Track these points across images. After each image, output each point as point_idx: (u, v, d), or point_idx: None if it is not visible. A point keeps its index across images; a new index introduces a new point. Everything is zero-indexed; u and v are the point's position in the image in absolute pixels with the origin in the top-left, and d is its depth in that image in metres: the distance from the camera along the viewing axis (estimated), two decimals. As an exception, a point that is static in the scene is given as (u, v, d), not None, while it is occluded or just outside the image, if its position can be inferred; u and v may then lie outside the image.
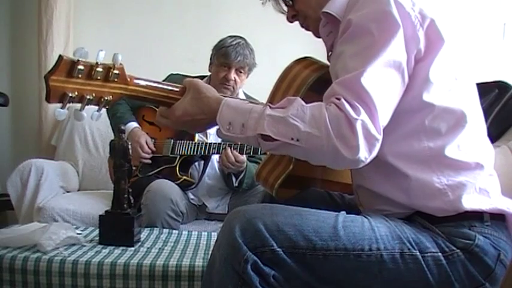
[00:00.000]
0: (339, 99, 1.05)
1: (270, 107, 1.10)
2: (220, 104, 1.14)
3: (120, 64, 1.10)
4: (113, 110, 2.58)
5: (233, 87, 2.45)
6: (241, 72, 2.47)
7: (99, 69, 1.07)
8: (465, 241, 1.11)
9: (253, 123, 1.09)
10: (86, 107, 1.09)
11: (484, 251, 1.11)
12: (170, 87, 1.19)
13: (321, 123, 1.03)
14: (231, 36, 2.50)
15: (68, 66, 1.03)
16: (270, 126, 1.07)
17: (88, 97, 1.07)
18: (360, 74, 1.05)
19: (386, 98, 1.07)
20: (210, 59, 2.54)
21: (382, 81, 1.06)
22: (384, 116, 1.07)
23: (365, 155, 1.03)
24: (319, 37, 1.31)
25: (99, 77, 1.07)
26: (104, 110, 1.13)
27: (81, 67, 1.04)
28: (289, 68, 1.32)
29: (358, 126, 1.01)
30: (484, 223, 1.14)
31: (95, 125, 3.09)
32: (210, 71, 2.54)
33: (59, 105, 1.06)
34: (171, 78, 2.43)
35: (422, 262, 1.10)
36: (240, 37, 2.50)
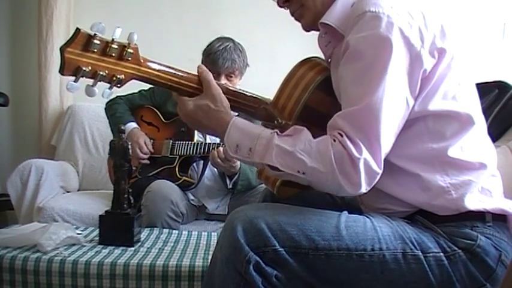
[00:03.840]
0: (341, 135, 1.07)
1: (278, 134, 1.12)
2: (229, 124, 1.15)
3: (135, 44, 1.10)
4: (111, 109, 2.58)
5: None
6: (231, 76, 2.43)
7: (114, 46, 1.07)
8: (467, 241, 1.11)
9: (261, 149, 1.11)
10: (98, 83, 1.09)
11: (486, 252, 1.11)
12: (182, 74, 1.19)
13: (327, 160, 1.06)
14: (218, 39, 2.45)
15: (84, 40, 1.04)
16: (277, 158, 1.09)
17: (101, 73, 1.07)
18: (363, 109, 1.06)
19: (389, 128, 1.08)
20: (202, 62, 2.51)
21: (385, 113, 1.06)
22: (387, 146, 1.09)
23: (365, 187, 1.07)
24: (307, 30, 1.30)
25: (113, 54, 1.07)
26: (114, 89, 1.13)
27: (97, 42, 1.04)
28: (296, 67, 1.32)
29: (361, 165, 1.04)
30: (486, 223, 1.14)
31: (95, 125, 3.09)
32: None
33: (72, 78, 1.06)
34: None
35: (424, 262, 1.10)
36: (228, 39, 2.45)
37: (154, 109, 2.58)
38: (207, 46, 2.46)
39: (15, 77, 3.33)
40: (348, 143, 1.05)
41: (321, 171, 1.06)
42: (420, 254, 1.11)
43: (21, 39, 3.31)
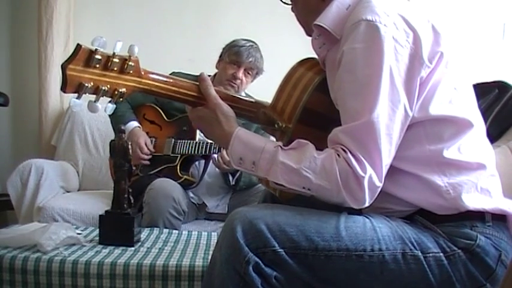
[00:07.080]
0: (345, 151, 1.07)
1: (282, 149, 1.13)
2: (232, 137, 1.16)
3: (136, 56, 1.09)
4: (113, 108, 2.58)
5: (238, 87, 2.46)
6: (249, 73, 2.48)
7: (116, 60, 1.06)
8: (466, 241, 1.11)
9: (265, 164, 1.13)
10: (100, 98, 1.08)
11: (485, 252, 1.11)
12: (183, 83, 1.19)
13: (332, 178, 1.07)
14: (244, 39, 2.52)
15: (85, 56, 1.02)
16: (283, 175, 1.11)
17: (103, 88, 1.06)
18: (364, 124, 1.07)
19: (390, 141, 1.09)
20: (220, 56, 2.55)
21: (385, 127, 1.07)
22: (388, 159, 1.10)
23: (369, 201, 1.09)
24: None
25: (115, 68, 1.06)
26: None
27: (98, 57, 1.03)
28: (293, 69, 1.32)
29: (365, 183, 1.06)
30: (486, 223, 1.14)
31: (95, 125, 3.10)
32: (217, 68, 2.56)
33: (74, 95, 1.04)
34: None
35: (424, 262, 1.10)
36: (254, 41, 2.53)
37: (157, 107, 2.59)
38: (232, 41, 2.53)
39: (15, 77, 3.33)
40: (353, 160, 1.06)
41: (326, 188, 1.08)
42: (420, 254, 1.11)
43: (21, 39, 3.30)
